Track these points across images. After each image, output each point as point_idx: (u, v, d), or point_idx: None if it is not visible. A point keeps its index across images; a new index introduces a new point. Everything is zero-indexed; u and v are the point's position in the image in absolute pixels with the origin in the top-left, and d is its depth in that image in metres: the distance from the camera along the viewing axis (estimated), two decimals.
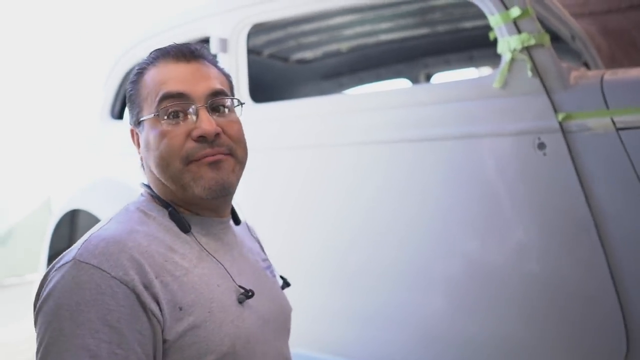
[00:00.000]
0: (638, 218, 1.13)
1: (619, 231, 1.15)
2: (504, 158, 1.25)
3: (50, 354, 0.64)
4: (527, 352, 1.26)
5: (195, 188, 0.77)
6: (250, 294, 0.78)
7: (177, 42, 0.83)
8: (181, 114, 0.77)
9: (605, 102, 1.13)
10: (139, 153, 0.84)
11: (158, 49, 0.83)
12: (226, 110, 0.81)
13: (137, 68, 0.84)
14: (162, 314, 0.69)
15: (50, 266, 0.72)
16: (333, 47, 2.34)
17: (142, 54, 2.00)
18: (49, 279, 0.70)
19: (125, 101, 2.16)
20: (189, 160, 0.77)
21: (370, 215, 1.40)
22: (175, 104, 0.77)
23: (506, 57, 1.23)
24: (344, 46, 2.30)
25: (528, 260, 1.23)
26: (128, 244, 0.71)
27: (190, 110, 0.77)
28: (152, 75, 0.80)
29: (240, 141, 0.82)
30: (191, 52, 0.81)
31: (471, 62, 2.26)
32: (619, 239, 1.15)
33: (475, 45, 2.21)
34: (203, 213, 0.82)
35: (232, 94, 0.86)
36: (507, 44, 1.22)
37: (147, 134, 0.79)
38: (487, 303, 1.29)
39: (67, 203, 2.12)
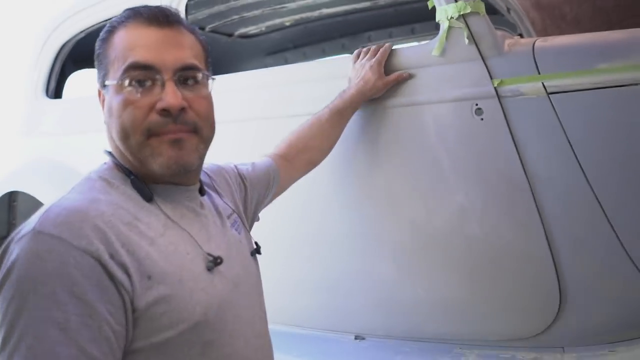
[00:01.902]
0: (569, 179, 1.19)
1: (552, 192, 1.21)
2: (444, 124, 1.28)
3: (15, 329, 0.62)
4: (471, 310, 1.32)
5: (153, 164, 0.75)
6: (219, 260, 0.77)
7: (147, 5, 0.79)
8: (147, 83, 0.74)
9: (537, 67, 1.18)
10: (104, 116, 0.80)
11: (131, 8, 0.78)
12: (196, 84, 0.78)
13: (107, 26, 0.79)
14: (131, 283, 0.67)
15: (8, 239, 0.68)
16: (277, 21, 2.32)
17: (77, 26, 1.91)
18: (8, 253, 0.66)
19: (61, 78, 2.09)
20: (150, 134, 0.74)
21: (318, 185, 1.41)
22: (141, 74, 0.73)
23: (444, 25, 1.25)
24: (287, 20, 2.28)
25: (469, 222, 1.27)
26: (91, 213, 0.68)
27: (158, 80, 0.74)
28: (121, 37, 0.76)
29: (208, 118, 0.79)
30: (165, 17, 0.77)
31: (413, 34, 2.29)
32: (551, 199, 1.21)
33: (417, 19, 2.25)
34: (165, 182, 0.79)
35: (208, 65, 0.82)
36: (445, 12, 1.25)
37: (111, 99, 0.76)
38: (432, 265, 1.34)
39: (2, 185, 2.02)
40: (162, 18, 0.76)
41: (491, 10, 1.61)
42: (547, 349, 1.26)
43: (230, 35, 2.39)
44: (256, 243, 0.95)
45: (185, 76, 0.76)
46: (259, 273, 0.93)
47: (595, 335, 1.23)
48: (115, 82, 0.75)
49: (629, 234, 1.16)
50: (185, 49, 0.77)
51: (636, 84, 1.10)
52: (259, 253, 0.94)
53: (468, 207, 1.27)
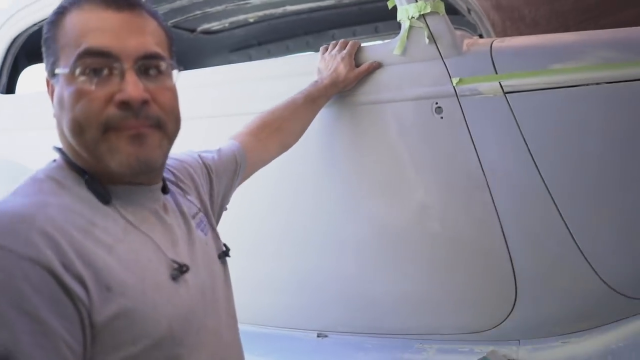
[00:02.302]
0: (524, 176, 1.22)
1: (508, 188, 1.24)
2: (406, 122, 1.30)
3: None
4: (431, 303, 1.35)
5: (111, 162, 0.67)
6: (184, 268, 0.71)
7: None
8: (104, 72, 0.66)
9: (494, 67, 1.21)
10: (53, 108, 0.71)
11: None
12: (159, 74, 0.70)
13: (57, 7, 0.70)
14: (88, 296, 0.60)
15: None
16: (240, 17, 2.29)
17: (30, 19, 1.84)
18: None
19: (13, 73, 2.00)
20: (107, 129, 0.66)
21: (280, 183, 1.40)
22: (96, 62, 0.65)
23: (405, 24, 1.27)
24: (251, 17, 2.26)
25: (429, 218, 1.30)
26: (39, 219, 0.60)
27: (116, 69, 0.66)
28: (74, 20, 0.68)
29: (172, 112, 0.71)
30: None
31: (377, 33, 2.31)
32: (507, 196, 1.24)
33: (381, 17, 2.26)
34: (123, 182, 0.71)
35: (171, 53, 0.74)
36: (406, 11, 1.26)
37: (62, 89, 0.67)
38: (393, 261, 1.36)
39: None
40: (121, 0, 0.68)
41: (452, 11, 1.65)
42: (504, 342, 1.30)
43: (192, 31, 2.35)
44: (225, 245, 0.88)
45: (148, 65, 0.69)
46: (228, 277, 0.86)
47: (548, 328, 1.27)
48: (66, 70, 0.66)
49: (581, 229, 1.20)
50: (147, 35, 0.69)
51: (587, 85, 1.14)
52: (228, 256, 0.87)
53: (428, 204, 1.29)
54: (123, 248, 0.66)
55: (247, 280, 1.50)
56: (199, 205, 0.86)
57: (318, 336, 1.49)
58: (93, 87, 0.66)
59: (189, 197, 0.86)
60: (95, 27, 0.67)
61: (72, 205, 0.66)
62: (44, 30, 0.72)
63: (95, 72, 0.66)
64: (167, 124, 0.71)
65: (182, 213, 0.80)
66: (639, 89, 1.11)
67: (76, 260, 0.61)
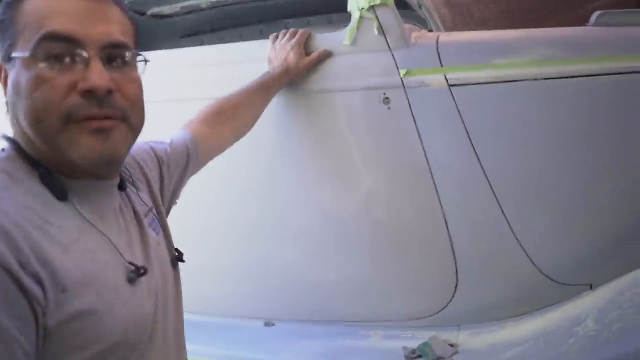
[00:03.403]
0: (466, 167, 1.26)
1: (450, 179, 1.28)
2: (354, 112, 1.31)
3: None
4: (376, 291, 1.38)
5: (72, 154, 0.63)
6: (142, 271, 0.68)
7: None
8: (67, 58, 0.62)
9: (440, 60, 1.24)
10: (5, 95, 0.67)
11: None
12: (124, 64, 0.67)
13: None
14: (44, 297, 0.57)
15: None
16: (192, 2, 2.24)
17: None
18: None
19: None
20: (69, 119, 0.62)
21: (226, 171, 1.39)
22: (59, 47, 0.62)
23: (355, 15, 1.28)
24: (203, 2, 2.22)
25: (374, 206, 1.32)
26: None
27: (80, 56, 0.63)
28: (36, 3, 0.64)
29: (137, 104, 0.69)
30: None
31: (330, 24, 2.31)
32: (450, 186, 1.28)
33: (335, 9, 2.27)
34: (83, 176, 0.67)
35: (136, 44, 0.70)
36: (356, 2, 1.27)
37: (19, 74, 0.63)
38: (338, 249, 1.38)
39: None
40: None
41: (403, 5, 1.67)
42: (445, 327, 1.34)
43: (142, 13, 2.28)
44: (177, 250, 0.84)
45: (113, 55, 0.66)
46: (179, 281, 0.83)
47: (487, 313, 1.32)
48: (25, 54, 0.62)
49: (518, 219, 1.25)
50: (113, 24, 0.66)
51: (526, 80, 1.18)
52: (181, 261, 0.84)
53: (373, 192, 1.31)
54: (78, 248, 0.63)
55: (192, 269, 1.48)
56: (150, 203, 0.83)
57: (265, 324, 1.50)
58: (55, 74, 0.62)
59: (140, 193, 0.82)
60: (60, 11, 0.63)
61: (25, 201, 0.62)
62: (0, 12, 0.67)
63: (57, 58, 0.62)
64: (131, 117, 0.68)
65: (135, 212, 0.77)
66: (574, 85, 1.17)
67: (32, 259, 0.57)
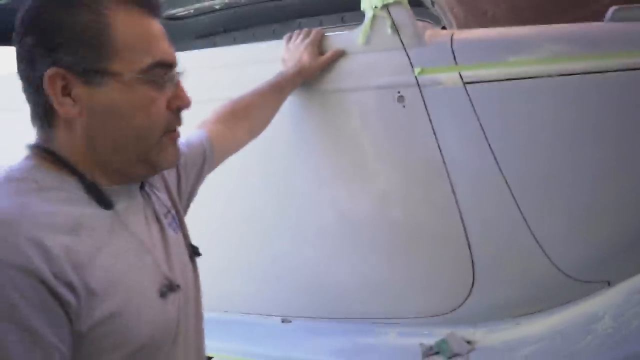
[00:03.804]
0: (482, 165, 1.26)
1: (466, 177, 1.28)
2: (368, 111, 1.32)
3: None
4: (392, 288, 1.39)
5: (161, 160, 0.72)
6: (175, 287, 0.71)
7: None
8: (167, 81, 0.70)
9: (455, 58, 1.24)
10: (63, 106, 0.65)
11: None
12: None
13: None
14: (78, 303, 0.59)
15: None
16: (206, 4, 2.27)
17: None
18: None
19: None
20: (165, 131, 0.71)
21: (244, 169, 1.40)
22: (166, 72, 0.69)
23: (368, 14, 1.29)
24: (217, 3, 2.24)
25: (390, 205, 1.33)
26: (24, 225, 0.58)
27: (174, 77, 0.71)
28: (128, 24, 0.66)
29: None
30: (157, 5, 0.71)
31: (343, 23, 2.32)
32: (466, 184, 1.28)
33: (347, 7, 2.27)
34: (119, 180, 0.71)
35: None
36: (369, 1, 1.28)
37: (122, 94, 0.65)
38: (355, 248, 1.39)
39: None
40: (155, 6, 0.70)
41: (416, 3, 1.67)
42: (462, 325, 1.34)
43: None
44: (193, 245, 0.86)
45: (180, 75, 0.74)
46: (198, 278, 0.85)
47: (503, 310, 1.32)
48: (134, 75, 0.66)
49: (534, 216, 1.25)
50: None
51: (541, 77, 1.18)
52: (198, 254, 0.86)
53: (389, 191, 1.32)
54: (110, 250, 0.65)
55: (210, 267, 1.50)
56: (169, 203, 0.85)
57: (282, 322, 1.51)
58: (158, 95, 0.69)
59: (159, 194, 0.84)
60: (157, 35, 0.69)
61: (56, 207, 0.63)
62: (74, 20, 0.64)
63: (163, 80, 0.69)
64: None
65: (155, 212, 0.79)
66: (591, 81, 1.16)
67: (65, 266, 0.59)
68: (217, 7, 2.27)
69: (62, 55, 0.64)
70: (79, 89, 0.65)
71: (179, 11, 2.31)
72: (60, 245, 0.59)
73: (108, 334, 0.62)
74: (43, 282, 0.56)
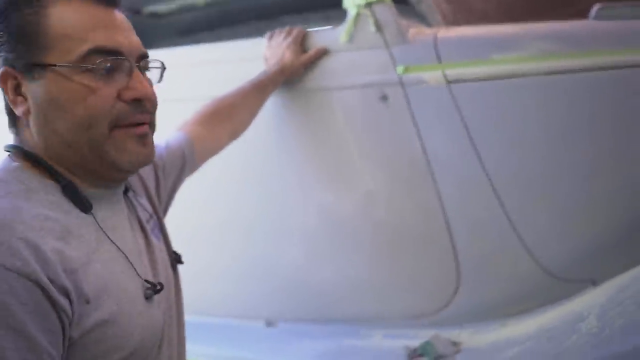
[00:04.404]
0: (466, 164, 1.25)
1: (450, 177, 1.27)
2: (352, 110, 1.30)
3: None
4: (375, 291, 1.37)
5: (118, 159, 0.67)
6: (159, 287, 0.70)
7: None
8: (113, 69, 0.66)
9: (438, 56, 1.22)
10: (16, 104, 0.66)
11: None
12: (147, 73, 0.72)
13: None
14: (72, 309, 0.59)
15: None
16: (189, 0, 2.23)
17: None
18: None
19: None
20: (115, 125, 0.66)
21: (226, 170, 1.38)
22: (107, 60, 0.64)
23: (351, 12, 1.27)
24: (200, 0, 2.20)
25: (374, 205, 1.31)
26: (18, 227, 0.57)
27: (125, 66, 0.66)
28: (64, 13, 0.65)
29: (156, 110, 0.72)
30: None
31: (328, 21, 2.30)
32: (450, 184, 1.27)
33: (332, 5, 2.25)
34: (98, 183, 0.69)
35: None
36: None
37: (58, 85, 0.64)
38: (339, 249, 1.37)
39: None
40: None
41: (402, 1, 1.65)
42: (447, 326, 1.33)
43: (137, 12, 2.27)
44: (175, 252, 0.86)
45: (145, 65, 0.71)
46: (179, 284, 0.85)
47: (489, 311, 1.31)
48: (68, 65, 0.64)
49: (519, 216, 1.24)
50: (135, 34, 0.70)
51: (526, 75, 1.17)
52: (180, 262, 0.86)
53: (373, 191, 1.30)
54: (98, 258, 0.65)
55: (193, 270, 1.48)
56: (150, 209, 0.84)
57: (266, 325, 1.49)
58: (101, 84, 0.65)
59: (140, 200, 0.83)
60: (100, 24, 0.66)
61: (45, 211, 0.62)
62: (16, 19, 0.65)
63: (105, 69, 0.65)
64: (154, 122, 0.72)
65: (139, 219, 0.79)
66: (575, 80, 1.15)
67: (60, 272, 0.58)
68: (200, 4, 2.24)
69: (6, 54, 0.66)
70: (26, 86, 0.66)
71: (161, 8, 2.28)
72: (53, 249, 0.59)
73: (100, 340, 0.62)
74: (39, 285, 0.56)
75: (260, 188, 1.40)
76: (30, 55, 0.65)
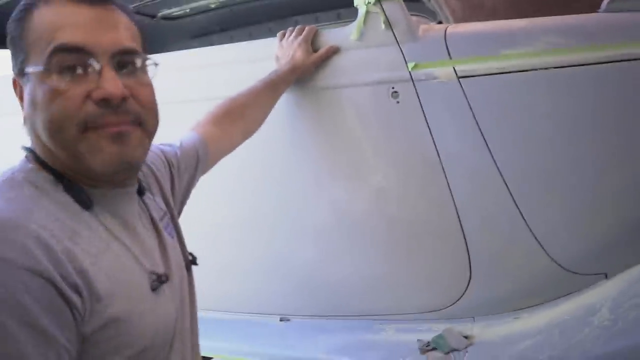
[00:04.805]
0: (477, 159, 1.25)
1: (462, 172, 1.27)
2: (363, 107, 1.31)
3: None
4: (389, 285, 1.38)
5: (92, 161, 0.65)
6: (164, 278, 0.71)
7: None
8: (79, 68, 0.64)
9: (449, 52, 1.23)
10: (23, 109, 0.68)
11: None
12: (135, 70, 0.68)
13: (22, 3, 0.67)
14: (83, 306, 0.60)
15: None
16: (202, 3, 2.26)
17: None
18: None
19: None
20: (87, 127, 0.64)
21: (242, 169, 1.40)
22: (71, 58, 0.63)
23: (361, 10, 1.28)
24: (212, 2, 2.24)
25: (387, 201, 1.32)
26: (30, 226, 0.58)
27: (92, 65, 0.64)
28: (43, 16, 0.65)
29: (151, 109, 0.70)
30: None
31: (339, 19, 2.32)
32: (462, 180, 1.27)
33: (343, 4, 2.27)
34: (103, 185, 0.69)
35: (144, 48, 0.72)
36: None
37: (34, 88, 0.64)
38: (352, 245, 1.38)
39: None
40: None
41: None
42: (459, 320, 1.34)
43: (153, 16, 2.31)
44: (191, 254, 0.87)
45: (124, 61, 0.67)
46: (193, 283, 0.86)
47: (501, 304, 1.32)
48: (39, 68, 0.63)
49: (531, 210, 1.25)
50: (121, 30, 0.67)
51: (536, 70, 1.17)
52: (195, 264, 0.86)
53: (386, 187, 1.32)
54: (107, 257, 0.65)
55: (209, 266, 1.50)
56: (164, 207, 0.85)
57: (281, 320, 1.51)
58: (69, 85, 0.63)
59: (155, 198, 0.84)
60: (68, 22, 0.64)
61: (55, 212, 0.63)
62: (10, 29, 0.69)
63: (70, 69, 0.64)
64: (147, 121, 0.69)
65: (152, 217, 0.79)
66: (585, 73, 1.15)
67: (71, 270, 0.59)
68: (212, 6, 2.27)
69: (12, 63, 0.68)
70: (23, 92, 0.67)
71: (175, 11, 2.31)
72: (63, 250, 0.60)
73: (111, 337, 0.63)
74: (51, 283, 0.57)
75: (274, 187, 1.42)
76: (19, 62, 0.67)
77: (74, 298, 0.59)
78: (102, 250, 0.65)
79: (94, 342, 0.62)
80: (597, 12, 1.20)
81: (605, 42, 1.14)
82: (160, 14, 2.33)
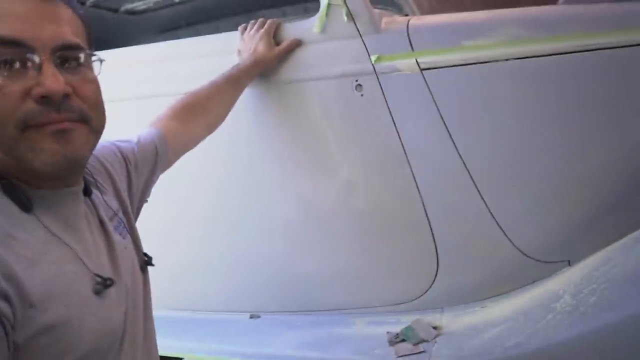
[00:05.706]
0: (442, 151, 1.26)
1: (427, 164, 1.28)
2: (327, 100, 1.31)
3: None
4: (358, 278, 1.39)
5: (34, 161, 0.61)
6: (109, 282, 0.67)
7: None
8: (18, 64, 0.60)
9: (411, 44, 1.23)
10: None
11: None
12: (79, 66, 0.65)
13: None
14: (13, 313, 0.56)
15: None
16: None
17: None
18: None
19: None
20: (26, 125, 0.60)
21: (205, 164, 1.38)
22: (8, 52, 0.59)
23: (324, 2, 1.27)
24: None
25: (353, 194, 1.32)
26: None
27: (31, 60, 0.60)
28: None
29: (97, 105, 0.67)
30: None
31: (306, 13, 2.30)
32: (427, 171, 1.28)
33: None
34: (46, 185, 0.66)
35: (90, 44, 0.69)
36: None
37: None
38: (320, 239, 1.38)
39: None
40: None
41: None
42: (428, 311, 1.35)
43: (115, 10, 2.25)
44: (146, 254, 0.83)
45: (66, 57, 0.64)
46: (148, 285, 0.83)
47: (469, 294, 1.33)
48: None
49: (495, 200, 1.26)
50: (64, 25, 0.64)
51: (497, 61, 1.18)
52: (151, 264, 0.83)
53: (352, 180, 1.32)
54: (45, 260, 0.62)
55: (176, 266, 1.48)
56: (116, 206, 0.82)
57: (251, 317, 1.50)
58: (6, 81, 0.60)
59: (105, 197, 0.80)
60: (5, 13, 0.60)
61: None
62: None
63: (7, 63, 0.60)
64: (92, 119, 0.66)
65: (100, 218, 0.76)
66: (545, 64, 1.17)
67: None
68: (177, 0, 2.23)
69: None
70: None
71: (138, 5, 2.26)
72: None
73: (49, 344, 0.60)
74: None
75: (240, 181, 1.40)
76: None
77: (1, 305, 0.55)
78: (39, 254, 0.62)
79: (30, 350, 0.58)
80: (557, 3, 1.22)
81: (563, 33, 1.16)
82: (123, 9, 2.27)
